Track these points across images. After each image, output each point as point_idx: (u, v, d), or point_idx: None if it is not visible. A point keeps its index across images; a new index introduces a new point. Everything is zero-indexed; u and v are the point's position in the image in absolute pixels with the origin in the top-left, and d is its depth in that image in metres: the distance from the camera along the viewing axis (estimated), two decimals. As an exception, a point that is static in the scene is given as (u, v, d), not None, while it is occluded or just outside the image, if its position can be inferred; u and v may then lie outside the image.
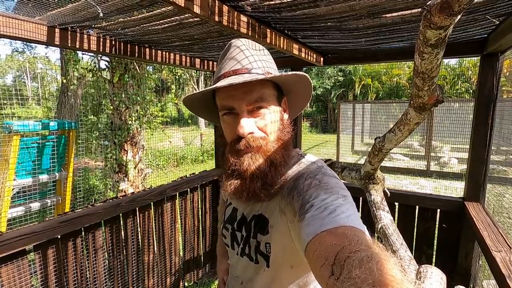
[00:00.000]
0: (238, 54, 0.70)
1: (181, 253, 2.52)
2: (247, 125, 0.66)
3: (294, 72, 0.67)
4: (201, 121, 16.71)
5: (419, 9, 1.20)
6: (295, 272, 0.70)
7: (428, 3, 0.57)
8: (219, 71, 0.71)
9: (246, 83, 0.64)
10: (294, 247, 0.62)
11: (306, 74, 0.70)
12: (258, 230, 0.71)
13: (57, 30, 1.45)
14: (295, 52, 1.78)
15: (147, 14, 1.30)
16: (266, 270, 0.70)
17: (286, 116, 0.76)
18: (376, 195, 1.57)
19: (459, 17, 0.56)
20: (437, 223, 2.03)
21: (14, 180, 3.17)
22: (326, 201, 0.54)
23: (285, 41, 1.64)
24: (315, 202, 0.55)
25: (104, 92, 4.44)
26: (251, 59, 0.69)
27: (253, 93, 0.66)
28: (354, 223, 0.49)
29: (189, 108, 0.81)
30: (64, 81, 5.83)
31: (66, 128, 3.64)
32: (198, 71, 14.71)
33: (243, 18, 1.27)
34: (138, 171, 4.33)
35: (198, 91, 0.71)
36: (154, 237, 2.25)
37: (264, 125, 0.68)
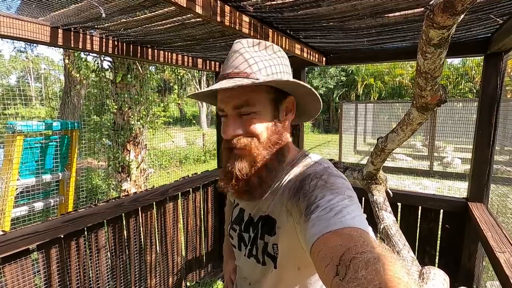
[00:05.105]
0: (236, 56, 0.69)
1: (183, 253, 2.52)
2: (231, 128, 0.68)
3: (288, 80, 0.66)
4: (204, 121, 16.73)
5: (422, 9, 1.19)
6: (301, 273, 0.70)
7: (431, 3, 0.57)
8: (221, 72, 0.73)
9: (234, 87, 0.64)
10: (301, 248, 0.62)
11: (302, 82, 0.69)
12: (266, 231, 0.71)
13: (60, 30, 1.46)
14: (297, 52, 1.78)
15: (150, 14, 1.31)
16: (274, 271, 0.70)
17: (289, 117, 0.75)
18: (379, 196, 1.56)
19: (462, 16, 0.56)
20: (440, 223, 2.02)
21: (17, 180, 3.20)
22: (331, 202, 0.54)
23: (287, 41, 1.64)
24: (320, 203, 0.54)
25: (107, 92, 4.46)
26: (251, 61, 0.67)
27: (239, 97, 0.67)
28: (360, 224, 0.49)
29: (195, 98, 0.84)
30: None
31: (69, 128, 3.66)
32: (200, 71, 14.73)
33: (245, 18, 1.27)
34: (141, 171, 4.34)
35: (199, 91, 0.73)
36: (157, 237, 2.25)
37: (251, 129, 0.68)
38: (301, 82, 0.69)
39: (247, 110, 0.67)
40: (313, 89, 0.72)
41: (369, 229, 0.50)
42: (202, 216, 2.65)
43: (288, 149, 0.75)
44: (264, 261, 0.71)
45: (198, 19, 1.34)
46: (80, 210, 1.73)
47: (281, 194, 0.70)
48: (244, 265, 0.80)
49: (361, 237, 0.45)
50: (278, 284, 0.72)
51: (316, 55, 2.10)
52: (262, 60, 0.69)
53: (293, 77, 0.76)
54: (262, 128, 0.68)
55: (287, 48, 1.64)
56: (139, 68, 4.07)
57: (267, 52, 0.72)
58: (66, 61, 5.95)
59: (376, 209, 1.50)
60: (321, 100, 0.77)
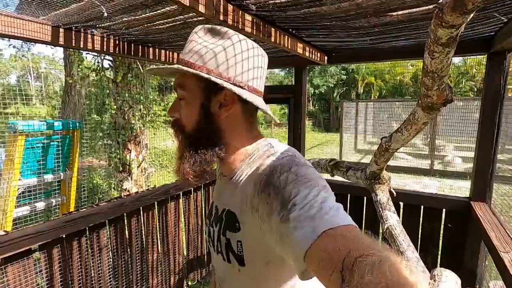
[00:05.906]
0: (188, 42, 0.71)
1: (185, 252, 2.52)
2: (171, 109, 0.71)
3: (192, 72, 0.63)
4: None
5: (426, 7, 1.18)
6: (271, 268, 0.67)
7: (440, 1, 0.56)
8: None
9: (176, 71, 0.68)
10: (267, 243, 0.60)
11: (206, 76, 0.63)
12: (227, 226, 0.68)
13: (61, 30, 1.45)
14: (300, 51, 1.77)
15: (151, 13, 1.30)
16: (241, 269, 0.67)
17: (223, 112, 0.67)
18: (382, 195, 1.55)
19: (471, 15, 0.55)
20: (442, 223, 2.01)
21: (19, 180, 3.19)
22: (308, 198, 0.52)
23: (289, 40, 1.63)
24: (297, 200, 0.52)
25: (108, 91, 4.45)
26: (191, 47, 0.67)
27: (176, 81, 0.70)
28: (346, 220, 0.49)
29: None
30: (70, 81, 5.83)
31: (71, 128, 3.65)
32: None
33: (248, 17, 1.26)
34: (142, 170, 4.33)
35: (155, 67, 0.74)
36: (158, 236, 2.25)
37: (182, 114, 0.70)
38: (204, 75, 0.63)
39: (179, 94, 0.69)
40: (227, 85, 0.64)
41: (351, 221, 0.50)
42: (203, 216, 2.65)
43: (239, 141, 0.70)
44: (228, 259, 0.68)
45: (200, 18, 1.34)
46: (81, 210, 1.73)
47: (242, 187, 0.66)
48: (215, 263, 0.77)
49: (356, 236, 0.45)
50: (247, 282, 0.69)
51: (318, 54, 2.09)
52: (204, 47, 0.65)
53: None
54: (188, 115, 0.69)
55: (289, 47, 1.63)
56: (140, 67, 4.06)
57: (215, 39, 0.67)
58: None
59: (380, 209, 1.50)
60: (266, 108, 0.71)
